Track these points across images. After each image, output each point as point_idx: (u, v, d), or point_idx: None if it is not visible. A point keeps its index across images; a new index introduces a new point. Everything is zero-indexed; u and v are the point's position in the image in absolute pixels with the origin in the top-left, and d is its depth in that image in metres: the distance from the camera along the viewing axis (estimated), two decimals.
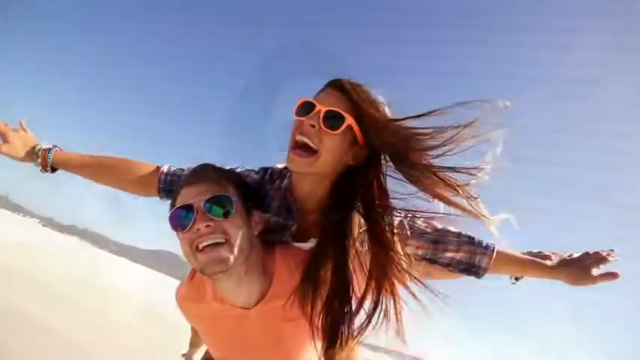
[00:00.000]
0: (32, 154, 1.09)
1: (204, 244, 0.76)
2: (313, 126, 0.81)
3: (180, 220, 0.78)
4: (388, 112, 0.87)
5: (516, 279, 1.04)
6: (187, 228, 0.77)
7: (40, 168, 1.10)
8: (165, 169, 1.06)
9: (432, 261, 0.94)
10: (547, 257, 0.98)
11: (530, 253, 1.00)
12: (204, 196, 0.78)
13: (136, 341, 5.54)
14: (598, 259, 0.92)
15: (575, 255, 0.96)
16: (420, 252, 0.95)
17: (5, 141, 1.09)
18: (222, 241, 0.77)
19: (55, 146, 1.11)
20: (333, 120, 0.81)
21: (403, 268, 0.82)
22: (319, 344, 0.88)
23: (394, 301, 0.83)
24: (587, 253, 0.94)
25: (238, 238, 0.78)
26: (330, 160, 0.83)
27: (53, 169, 1.11)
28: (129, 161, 1.08)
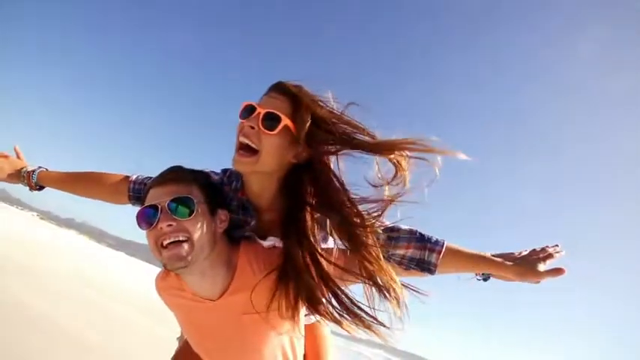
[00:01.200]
0: (19, 176, 1.26)
1: (167, 241, 0.82)
2: (253, 127, 0.87)
3: (146, 218, 0.84)
4: (337, 108, 0.92)
5: (485, 279, 1.02)
6: (152, 226, 0.83)
7: (27, 188, 1.26)
8: (133, 178, 1.19)
9: (386, 259, 0.92)
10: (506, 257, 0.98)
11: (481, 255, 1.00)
12: (168, 196, 0.83)
13: (138, 335, 5.57)
14: (545, 255, 0.94)
15: (524, 252, 0.98)
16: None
17: None
18: (184, 239, 0.82)
19: (39, 167, 1.27)
20: (270, 121, 0.86)
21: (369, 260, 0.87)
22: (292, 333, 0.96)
23: (374, 288, 0.89)
24: (534, 250, 0.97)
25: (199, 237, 0.83)
26: (270, 159, 0.88)
27: (40, 187, 1.27)
28: (101, 174, 1.21)
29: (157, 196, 0.85)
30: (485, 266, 0.96)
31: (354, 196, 0.90)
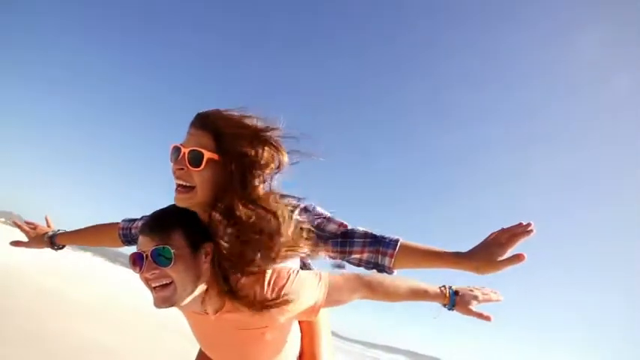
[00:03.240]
0: (43, 242, 1.50)
1: (153, 285, 0.93)
2: (182, 168, 0.92)
3: (135, 262, 0.94)
4: (259, 122, 0.94)
5: (445, 306, 1.13)
6: (140, 271, 0.93)
7: (50, 249, 1.51)
8: (121, 224, 1.34)
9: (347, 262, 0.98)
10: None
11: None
12: (150, 246, 0.92)
13: (170, 353, 5.61)
14: (507, 238, 0.87)
15: (490, 237, 0.92)
16: (331, 256, 1.01)
17: (27, 236, 1.52)
18: (168, 282, 0.92)
19: (58, 230, 1.52)
20: (195, 159, 0.90)
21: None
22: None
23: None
24: (502, 229, 0.90)
25: (181, 280, 0.92)
26: (207, 189, 0.92)
27: (61, 247, 1.52)
28: (99, 227, 1.42)
29: (142, 244, 0.95)
30: (441, 263, 0.95)
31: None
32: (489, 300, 1.12)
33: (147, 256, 0.92)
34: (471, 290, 1.14)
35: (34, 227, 1.54)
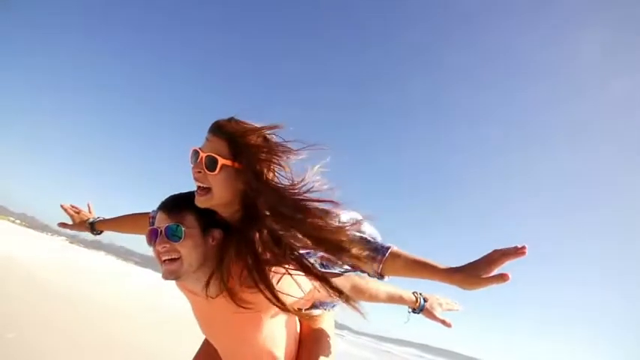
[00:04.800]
0: (84, 227, 1.66)
1: (164, 258, 1.05)
2: (200, 172, 1.02)
3: (150, 237, 1.08)
4: (271, 136, 1.04)
5: (414, 310, 1.36)
6: (153, 245, 1.06)
7: (91, 234, 1.66)
8: (151, 214, 1.40)
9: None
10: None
11: None
12: (165, 223, 1.05)
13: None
14: (497, 257, 0.90)
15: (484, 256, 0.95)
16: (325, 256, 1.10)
17: (72, 219, 1.67)
18: (177, 257, 1.04)
19: (98, 217, 1.67)
20: (211, 164, 1.00)
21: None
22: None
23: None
24: (494, 251, 0.93)
25: (188, 256, 1.04)
26: (221, 193, 1.03)
27: (99, 232, 1.66)
28: (135, 216, 1.52)
29: (158, 221, 1.08)
30: (428, 274, 0.98)
31: (305, 197, 1.01)
32: (451, 309, 1.35)
33: (161, 231, 1.05)
34: (437, 298, 1.37)
35: (78, 212, 1.69)
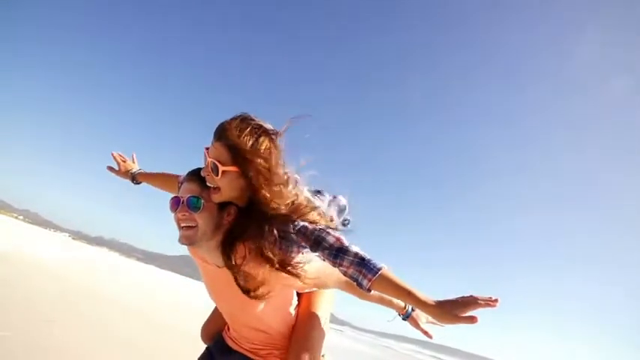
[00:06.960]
0: (127, 175, 1.80)
1: (182, 225, 1.16)
2: (208, 174, 1.14)
3: (172, 205, 1.18)
4: (270, 141, 1.12)
5: (404, 318, 1.49)
6: (175, 212, 1.17)
7: (131, 183, 1.81)
8: (180, 178, 1.47)
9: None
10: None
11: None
12: (187, 194, 1.17)
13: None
14: (473, 302, 0.99)
15: (464, 296, 1.04)
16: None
17: (118, 166, 1.82)
18: (194, 225, 1.15)
19: (139, 169, 1.81)
20: (214, 169, 1.11)
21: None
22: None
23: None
24: (471, 296, 1.02)
25: (203, 225, 1.15)
26: (229, 191, 1.14)
27: (139, 183, 1.80)
28: (168, 175, 1.64)
29: (183, 190, 1.19)
30: (410, 300, 1.07)
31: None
32: (435, 323, 1.42)
33: (183, 201, 1.16)
34: (424, 314, 1.41)
35: (124, 160, 1.84)
